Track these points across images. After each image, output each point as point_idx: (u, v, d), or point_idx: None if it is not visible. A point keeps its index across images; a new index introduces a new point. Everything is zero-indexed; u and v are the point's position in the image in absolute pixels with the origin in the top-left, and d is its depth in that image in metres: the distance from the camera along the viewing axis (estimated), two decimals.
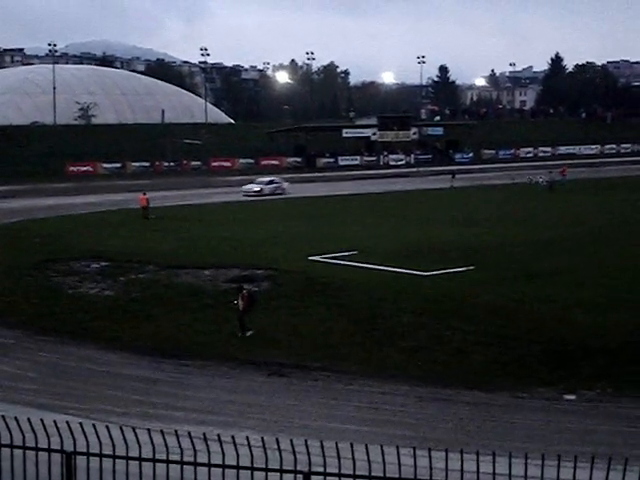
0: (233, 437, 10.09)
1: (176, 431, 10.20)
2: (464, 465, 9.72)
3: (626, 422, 20.83)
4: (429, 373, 24.65)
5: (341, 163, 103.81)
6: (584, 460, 9.93)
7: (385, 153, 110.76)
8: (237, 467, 10.04)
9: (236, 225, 52.22)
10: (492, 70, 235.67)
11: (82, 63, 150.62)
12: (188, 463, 10.09)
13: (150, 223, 54.48)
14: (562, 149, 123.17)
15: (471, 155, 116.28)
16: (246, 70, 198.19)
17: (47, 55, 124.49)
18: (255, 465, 9.99)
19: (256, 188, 71.36)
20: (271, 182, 73.51)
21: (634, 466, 10.55)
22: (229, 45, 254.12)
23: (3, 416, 10.64)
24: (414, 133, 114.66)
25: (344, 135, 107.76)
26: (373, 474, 9.79)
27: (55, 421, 10.56)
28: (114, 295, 34.49)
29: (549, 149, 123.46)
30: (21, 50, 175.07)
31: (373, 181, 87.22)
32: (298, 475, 9.86)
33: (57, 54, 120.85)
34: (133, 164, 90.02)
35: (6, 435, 10.48)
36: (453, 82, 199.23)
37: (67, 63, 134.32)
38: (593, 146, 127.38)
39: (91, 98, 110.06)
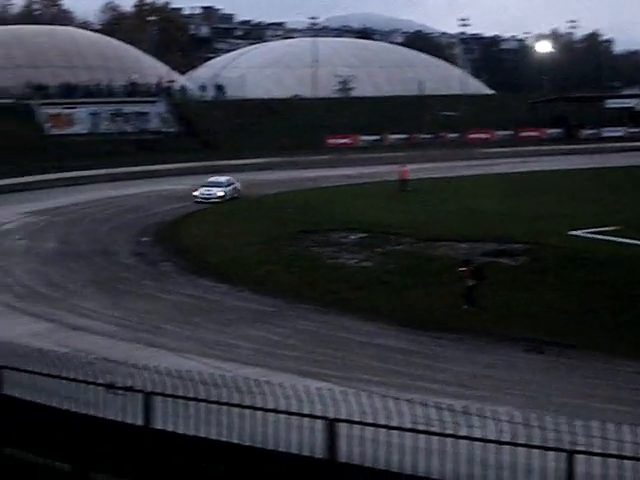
0: (494, 411, 9.96)
1: (436, 403, 10.15)
2: None
3: None
4: None
5: (604, 135, 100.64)
6: None
7: None
8: (498, 442, 9.90)
9: (491, 198, 51.53)
10: None
11: (341, 36, 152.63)
12: (449, 435, 10.03)
13: (407, 195, 54.68)
14: None
15: None
16: (505, 40, 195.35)
17: (308, 29, 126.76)
18: (517, 441, 9.81)
19: (220, 193, 54.67)
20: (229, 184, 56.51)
21: None
22: (489, 15, 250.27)
23: (269, 382, 10.91)
24: None
25: (607, 106, 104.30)
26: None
27: (318, 388, 10.73)
28: (371, 266, 34.85)
29: None
30: (282, 24, 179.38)
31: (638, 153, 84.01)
32: (560, 454, 9.61)
33: (317, 27, 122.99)
34: (391, 136, 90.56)
35: (272, 400, 10.75)
36: None
37: (327, 36, 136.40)
38: None
39: (350, 71, 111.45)
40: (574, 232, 38.53)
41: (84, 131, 78.99)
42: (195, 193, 53.52)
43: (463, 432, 10.02)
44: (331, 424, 10.28)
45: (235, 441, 11.07)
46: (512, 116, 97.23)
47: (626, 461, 9.44)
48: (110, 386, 11.51)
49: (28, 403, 12.57)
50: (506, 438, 9.94)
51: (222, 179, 56.00)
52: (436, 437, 10.04)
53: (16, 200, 53.35)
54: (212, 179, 55.77)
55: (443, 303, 29.05)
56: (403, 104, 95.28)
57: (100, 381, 11.70)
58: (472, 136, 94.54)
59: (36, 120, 77.78)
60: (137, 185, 60.43)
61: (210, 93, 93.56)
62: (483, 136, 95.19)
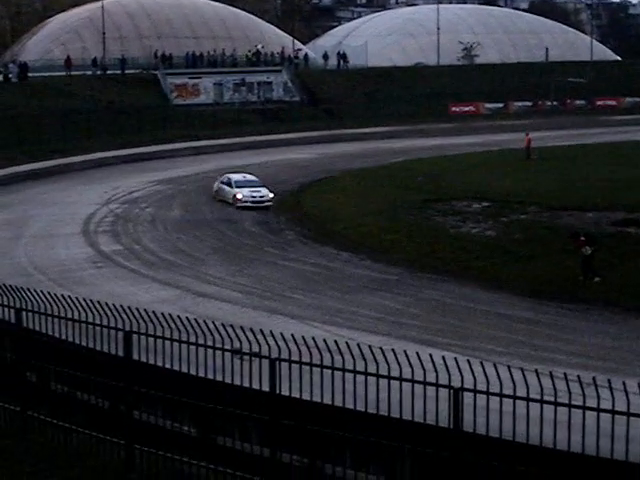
0: (623, 384, 9.78)
1: (565, 374, 10.00)
2: None
3: None
4: None
5: None
6: None
7: None
8: (627, 414, 9.71)
9: (618, 166, 50.38)
10: None
11: (465, 2, 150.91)
12: (576, 406, 9.89)
13: (532, 163, 53.95)
14: None
15: None
16: (634, 5, 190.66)
17: None
18: None
19: (270, 195, 43.85)
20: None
21: None
22: None
23: (393, 350, 10.91)
24: None
25: None
26: None
27: (443, 357, 10.68)
28: (495, 235, 34.54)
29: None
30: None
31: None
32: None
33: None
34: (515, 104, 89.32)
35: (396, 368, 10.74)
36: None
37: (450, 3, 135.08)
38: None
39: (474, 38, 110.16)
40: None
41: (209, 101, 79.87)
42: (238, 196, 42.85)
43: (591, 404, 9.85)
44: (456, 393, 10.23)
45: (360, 409, 11.12)
46: None
47: None
48: (237, 352, 11.66)
49: (156, 368, 12.83)
50: (635, 410, 9.75)
51: (251, 177, 45.27)
52: (563, 408, 9.92)
53: (143, 169, 54.43)
54: (238, 178, 44.78)
55: (568, 273, 28.60)
56: (528, 71, 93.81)
57: (227, 347, 11.85)
58: (599, 103, 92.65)
59: (162, 90, 78.98)
60: (261, 154, 60.96)
61: (333, 62, 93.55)
62: (610, 103, 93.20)
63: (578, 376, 9.95)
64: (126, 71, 79.86)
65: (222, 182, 45.25)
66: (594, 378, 9.82)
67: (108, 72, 78.76)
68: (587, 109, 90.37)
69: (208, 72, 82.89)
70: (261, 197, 43.05)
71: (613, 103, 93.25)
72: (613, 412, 9.75)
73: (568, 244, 29.30)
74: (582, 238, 28.55)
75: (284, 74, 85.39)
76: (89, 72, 77.97)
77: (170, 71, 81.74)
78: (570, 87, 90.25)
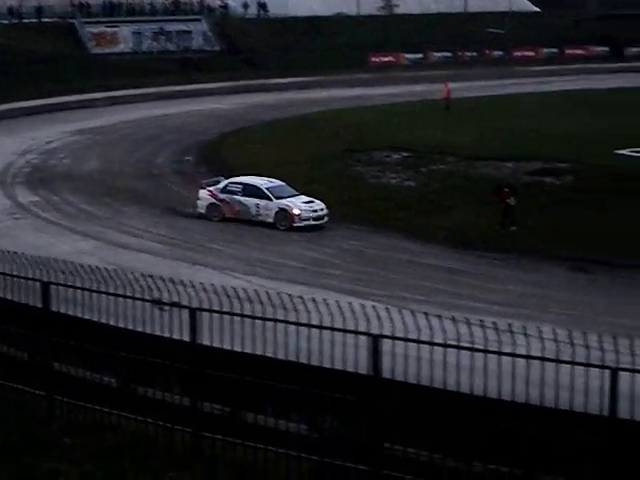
0: (538, 330, 9.96)
1: (480, 321, 10.16)
2: None
3: None
4: None
5: None
6: None
7: None
8: (542, 359, 9.91)
9: (536, 117, 50.90)
10: None
11: None
12: (492, 352, 10.06)
13: (451, 114, 54.25)
14: None
15: None
16: None
17: None
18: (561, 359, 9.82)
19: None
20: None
21: None
22: None
23: (314, 299, 10.97)
24: None
25: None
26: None
27: (362, 305, 10.78)
28: (415, 186, 34.80)
29: None
30: None
31: None
32: (604, 371, 9.61)
33: None
34: (435, 54, 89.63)
35: (317, 317, 10.82)
36: None
37: None
38: None
39: None
40: (621, 151, 38.16)
41: (127, 50, 78.80)
42: (295, 212, 30.01)
43: (507, 350, 10.03)
44: (375, 340, 10.34)
45: (280, 357, 11.20)
46: (558, 34, 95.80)
47: None
48: (157, 302, 11.63)
49: (75, 319, 12.76)
50: (550, 356, 9.95)
51: (277, 181, 32.35)
52: (479, 354, 10.08)
53: (61, 119, 53.61)
54: (267, 183, 31.78)
55: (488, 223, 28.95)
56: (448, 22, 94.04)
57: (147, 297, 11.82)
58: (517, 54, 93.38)
59: (80, 39, 77.67)
60: (181, 104, 60.36)
61: (253, 11, 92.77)
62: (528, 54, 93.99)
63: (494, 322, 10.13)
64: (43, 19, 78.31)
65: (228, 191, 31.19)
66: (510, 324, 10.00)
67: (24, 20, 77.17)
68: (505, 60, 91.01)
69: (126, 21, 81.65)
70: (322, 210, 30.49)
71: (531, 54, 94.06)
72: (528, 357, 9.94)
73: (490, 197, 29.59)
74: (506, 190, 28.92)
75: (203, 23, 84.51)
76: (5, 21, 76.28)
77: (87, 19, 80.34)
78: (489, 38, 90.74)
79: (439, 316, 10.51)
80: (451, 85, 59.03)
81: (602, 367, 9.55)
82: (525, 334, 9.95)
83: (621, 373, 9.44)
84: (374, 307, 10.73)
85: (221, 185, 31.47)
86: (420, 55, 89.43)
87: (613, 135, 42.36)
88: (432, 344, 10.26)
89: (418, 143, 41.58)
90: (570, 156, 36.84)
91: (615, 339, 9.60)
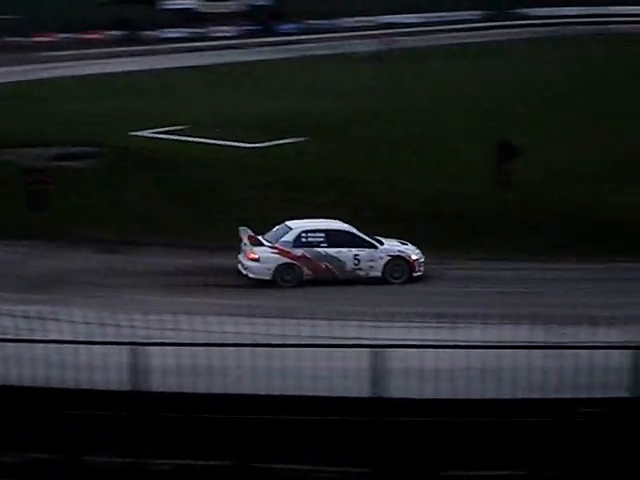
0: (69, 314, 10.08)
1: (8, 311, 10.11)
2: None
3: None
4: None
5: (165, 36, 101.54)
6: None
7: (209, 25, 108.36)
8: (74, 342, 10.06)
9: (60, 102, 50.52)
10: None
11: None
12: (24, 340, 10.03)
13: None
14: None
15: (296, 25, 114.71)
16: None
17: None
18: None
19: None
20: None
21: None
22: None
23: None
24: (241, 5, 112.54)
25: (164, 7, 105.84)
26: None
27: None
28: None
29: (372, 18, 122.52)
30: None
31: (202, 53, 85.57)
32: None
33: None
34: None
35: None
36: None
37: None
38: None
39: None
40: (137, 132, 39.50)
41: None
42: (414, 257, 23.18)
43: (39, 336, 10.05)
44: None
45: None
46: (79, 18, 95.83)
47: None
48: None
49: None
50: (82, 338, 10.12)
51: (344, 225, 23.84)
52: (11, 344, 9.98)
53: None
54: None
55: (11, 210, 28.32)
56: None
57: None
58: (37, 39, 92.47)
59: None
60: None
61: None
62: (47, 39, 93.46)
63: (24, 311, 10.12)
64: None
65: (305, 243, 23.09)
66: (39, 311, 10.06)
67: None
68: (25, 46, 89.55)
69: None
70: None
71: (49, 39, 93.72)
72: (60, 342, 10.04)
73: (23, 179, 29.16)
74: (43, 174, 28.84)
75: None
76: None
77: None
78: (4, 24, 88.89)
79: None
80: None
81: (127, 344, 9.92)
82: (56, 319, 10.05)
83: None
84: None
85: (290, 237, 23.25)
86: None
87: (133, 117, 43.44)
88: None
89: None
90: (90, 139, 37.04)
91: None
